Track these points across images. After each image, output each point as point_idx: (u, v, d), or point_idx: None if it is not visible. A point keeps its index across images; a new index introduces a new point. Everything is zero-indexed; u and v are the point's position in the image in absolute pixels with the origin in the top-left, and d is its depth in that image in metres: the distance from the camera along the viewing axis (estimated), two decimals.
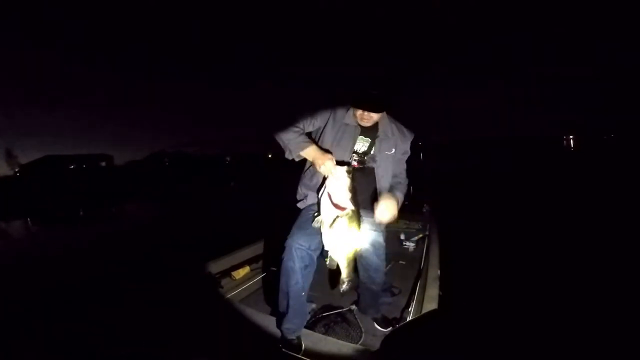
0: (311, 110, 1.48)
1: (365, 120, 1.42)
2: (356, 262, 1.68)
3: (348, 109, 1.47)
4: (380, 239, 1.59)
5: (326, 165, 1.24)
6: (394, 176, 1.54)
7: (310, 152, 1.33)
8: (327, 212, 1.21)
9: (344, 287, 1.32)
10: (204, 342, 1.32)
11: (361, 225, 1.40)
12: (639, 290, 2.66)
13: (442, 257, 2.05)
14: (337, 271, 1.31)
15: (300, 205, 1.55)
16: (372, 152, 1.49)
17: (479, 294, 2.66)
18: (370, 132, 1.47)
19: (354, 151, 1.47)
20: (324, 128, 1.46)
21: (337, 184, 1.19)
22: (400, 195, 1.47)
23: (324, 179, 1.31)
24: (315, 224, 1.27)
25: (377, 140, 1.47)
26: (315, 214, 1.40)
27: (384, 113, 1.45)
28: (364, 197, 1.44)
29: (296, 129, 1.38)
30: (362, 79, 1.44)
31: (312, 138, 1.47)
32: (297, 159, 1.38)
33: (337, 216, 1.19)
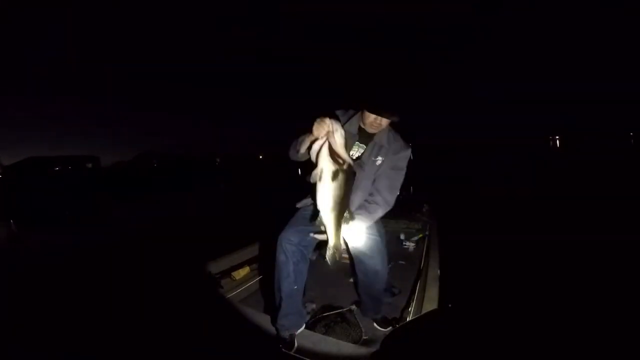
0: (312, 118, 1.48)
1: (375, 127, 1.37)
2: (354, 265, 1.68)
3: (351, 115, 1.45)
4: (380, 245, 1.53)
5: (324, 121, 1.09)
6: (371, 193, 1.43)
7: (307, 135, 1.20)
8: (325, 162, 1.10)
9: (330, 256, 1.20)
10: (204, 342, 1.32)
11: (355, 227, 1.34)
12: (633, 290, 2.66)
13: (442, 257, 2.05)
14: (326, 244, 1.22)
15: (298, 205, 1.56)
16: (362, 159, 1.43)
17: (479, 294, 2.66)
18: (367, 138, 1.44)
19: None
20: None
21: (337, 135, 1.09)
22: (363, 218, 1.36)
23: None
24: (312, 179, 1.14)
25: (369, 145, 1.44)
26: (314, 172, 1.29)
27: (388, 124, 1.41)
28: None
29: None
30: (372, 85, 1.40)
31: None
32: (305, 153, 1.25)
33: (337, 169, 1.08)
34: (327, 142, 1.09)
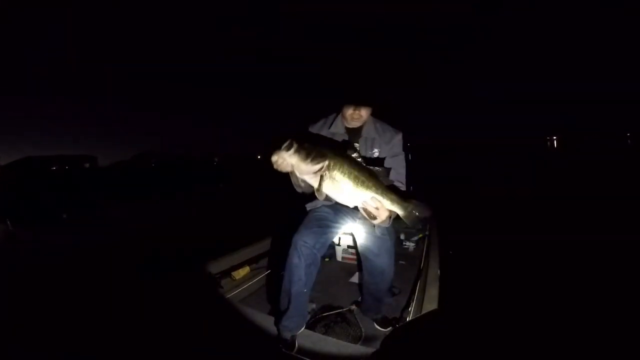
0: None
1: (356, 119, 1.42)
2: (360, 262, 1.69)
3: (333, 119, 1.49)
4: (388, 244, 1.54)
5: (275, 162, 1.09)
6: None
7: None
8: (311, 181, 1.10)
9: (410, 220, 1.13)
10: (204, 342, 1.32)
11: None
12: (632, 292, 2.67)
13: (442, 257, 2.05)
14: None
15: (308, 206, 1.57)
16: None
17: (479, 294, 2.66)
18: (356, 136, 1.48)
19: None
20: None
21: (289, 158, 1.06)
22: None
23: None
24: (326, 200, 1.14)
25: (360, 141, 1.46)
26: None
27: (369, 114, 1.45)
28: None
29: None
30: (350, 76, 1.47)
31: None
32: (303, 186, 1.23)
33: (322, 177, 1.07)
34: (294, 170, 1.09)
